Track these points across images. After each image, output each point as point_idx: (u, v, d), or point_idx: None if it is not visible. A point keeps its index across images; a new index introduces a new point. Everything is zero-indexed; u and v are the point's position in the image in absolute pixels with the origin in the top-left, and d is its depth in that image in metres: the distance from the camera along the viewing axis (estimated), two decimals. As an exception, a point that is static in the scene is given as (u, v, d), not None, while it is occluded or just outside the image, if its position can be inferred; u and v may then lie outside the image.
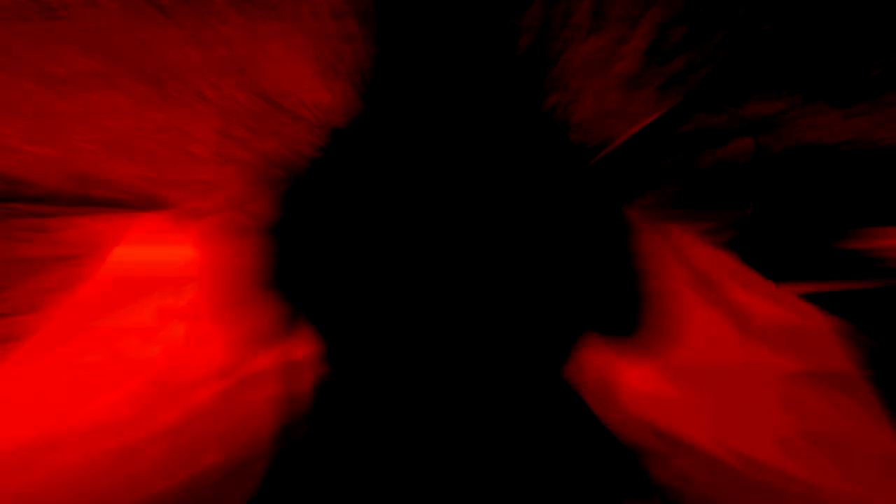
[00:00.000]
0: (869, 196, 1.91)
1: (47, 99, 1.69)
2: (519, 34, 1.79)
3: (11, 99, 1.67)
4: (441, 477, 1.71)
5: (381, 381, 1.89)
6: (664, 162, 1.96)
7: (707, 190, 2.07)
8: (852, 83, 1.72)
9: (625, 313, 1.84)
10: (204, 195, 2.18)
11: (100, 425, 1.77)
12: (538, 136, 1.99)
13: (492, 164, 2.00)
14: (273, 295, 2.00)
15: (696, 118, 1.85)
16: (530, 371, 1.89)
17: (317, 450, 1.84)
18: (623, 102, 1.86)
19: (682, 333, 1.79)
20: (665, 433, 1.75)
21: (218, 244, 2.11)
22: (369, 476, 1.76)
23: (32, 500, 1.63)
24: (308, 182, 2.07)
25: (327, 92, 1.86)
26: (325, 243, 2.04)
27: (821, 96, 1.74)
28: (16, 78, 1.61)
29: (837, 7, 1.60)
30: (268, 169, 2.08)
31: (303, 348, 1.95)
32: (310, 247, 2.05)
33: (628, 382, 1.81)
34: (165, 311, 2.03)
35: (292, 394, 1.94)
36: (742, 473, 1.67)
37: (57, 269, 2.04)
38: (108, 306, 2.01)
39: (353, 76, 1.84)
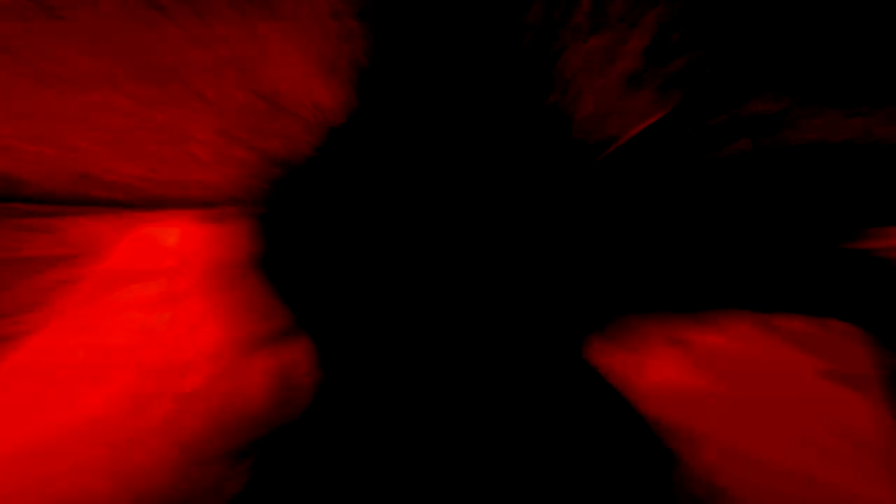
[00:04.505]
0: (870, 196, 1.90)
1: (47, 99, 1.69)
2: (519, 34, 1.79)
3: (11, 99, 1.68)
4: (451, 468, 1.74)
5: (385, 374, 1.91)
6: (664, 161, 1.96)
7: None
8: (852, 83, 1.71)
9: (657, 291, 1.90)
10: (203, 195, 2.18)
11: (95, 421, 1.77)
12: (540, 134, 1.99)
13: (493, 161, 2.00)
14: (267, 289, 2.00)
15: (696, 118, 1.84)
16: (544, 357, 1.90)
17: (316, 439, 1.86)
18: (624, 101, 1.86)
19: (712, 321, 1.84)
20: (693, 423, 1.77)
21: (215, 240, 2.11)
22: (369, 469, 1.77)
23: (32, 498, 1.64)
24: (306, 180, 2.07)
25: (327, 92, 1.87)
26: (323, 239, 2.05)
27: (821, 96, 1.74)
28: (16, 78, 1.62)
29: (838, 8, 1.60)
30: (267, 168, 2.08)
31: (297, 343, 1.96)
32: (306, 243, 2.06)
33: (657, 367, 1.85)
34: (158, 301, 2.04)
35: (286, 383, 1.95)
36: (768, 471, 1.68)
37: (57, 268, 2.04)
38: (102, 302, 2.02)
39: (352, 76, 1.84)
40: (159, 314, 2.02)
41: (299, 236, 2.06)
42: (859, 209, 1.93)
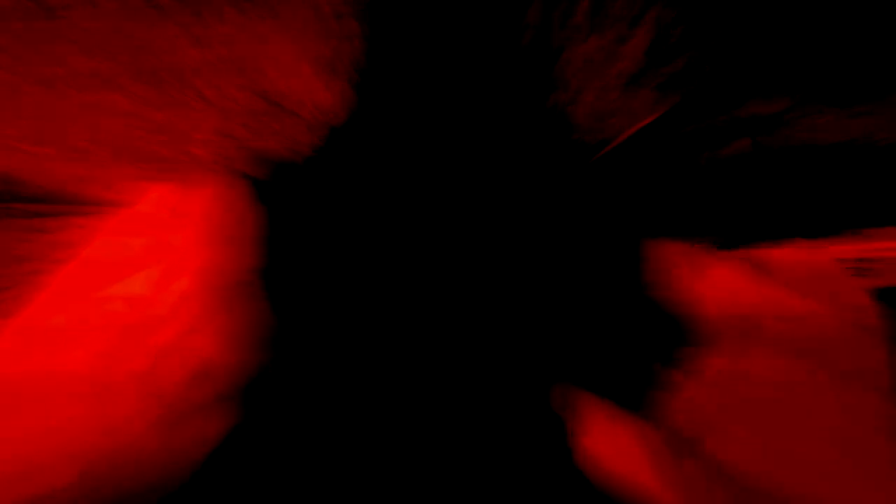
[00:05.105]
0: (869, 196, 1.90)
1: (47, 99, 1.69)
2: (519, 34, 1.79)
3: (11, 99, 1.67)
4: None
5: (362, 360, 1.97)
6: (663, 161, 1.96)
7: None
8: (852, 84, 1.71)
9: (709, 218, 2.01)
10: (201, 194, 2.18)
11: (75, 377, 1.87)
12: (539, 133, 1.99)
13: (493, 162, 2.00)
14: (243, 254, 2.05)
15: (696, 118, 1.84)
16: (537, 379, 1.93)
17: (292, 387, 1.93)
18: (623, 101, 1.86)
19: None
20: (740, 326, 1.92)
21: (201, 204, 2.15)
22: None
23: (19, 447, 1.73)
24: (305, 179, 2.08)
25: (327, 91, 1.87)
26: (313, 230, 2.07)
27: (821, 96, 1.74)
28: (16, 78, 1.61)
29: (838, 9, 1.60)
30: (266, 168, 2.08)
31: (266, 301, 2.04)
32: (297, 232, 2.08)
33: (711, 277, 2.01)
34: (139, 262, 2.10)
35: (259, 335, 2.01)
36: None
37: (56, 268, 2.04)
38: (88, 271, 2.08)
39: (352, 76, 1.84)
40: (138, 274, 2.08)
41: (290, 223, 2.09)
42: (859, 209, 1.93)
